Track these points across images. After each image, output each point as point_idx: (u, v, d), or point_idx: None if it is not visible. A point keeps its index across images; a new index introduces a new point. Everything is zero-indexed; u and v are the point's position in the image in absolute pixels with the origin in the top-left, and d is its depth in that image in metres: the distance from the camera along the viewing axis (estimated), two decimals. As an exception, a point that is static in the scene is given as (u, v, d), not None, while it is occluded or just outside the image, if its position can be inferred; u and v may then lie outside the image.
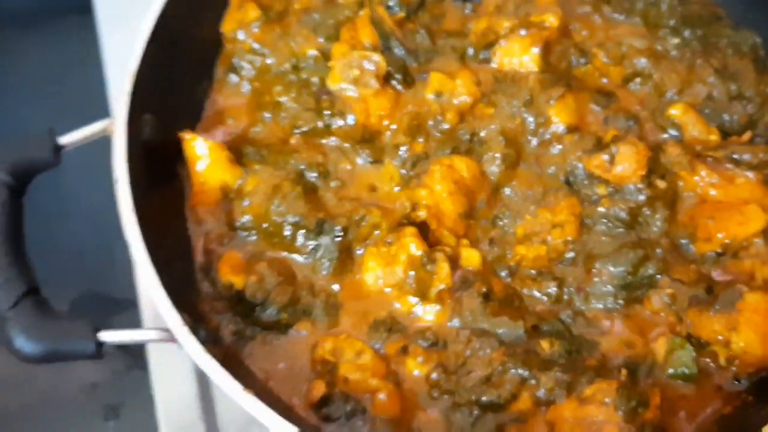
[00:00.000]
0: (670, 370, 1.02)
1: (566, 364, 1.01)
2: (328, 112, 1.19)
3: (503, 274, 1.10)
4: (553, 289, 1.08)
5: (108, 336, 0.94)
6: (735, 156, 1.14)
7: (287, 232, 1.10)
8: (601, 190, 1.13)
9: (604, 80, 1.26)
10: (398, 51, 1.24)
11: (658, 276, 1.08)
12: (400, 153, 1.17)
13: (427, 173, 1.13)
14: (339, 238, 1.09)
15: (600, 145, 1.15)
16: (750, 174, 1.13)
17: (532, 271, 1.10)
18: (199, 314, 1.05)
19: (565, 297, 1.09)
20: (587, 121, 1.20)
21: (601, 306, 1.08)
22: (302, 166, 1.15)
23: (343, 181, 1.16)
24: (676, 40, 1.28)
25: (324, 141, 1.19)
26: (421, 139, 1.18)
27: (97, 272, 1.41)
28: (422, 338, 1.04)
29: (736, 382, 1.02)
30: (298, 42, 1.24)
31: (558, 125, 1.17)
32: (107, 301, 1.41)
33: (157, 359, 1.22)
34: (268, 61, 1.25)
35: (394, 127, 1.19)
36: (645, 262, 1.08)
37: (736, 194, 1.12)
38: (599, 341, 1.06)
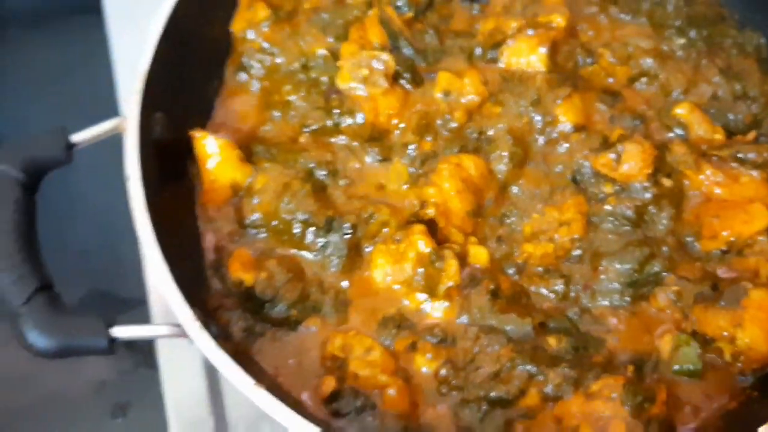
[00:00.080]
0: (676, 367, 1.03)
1: (573, 361, 1.02)
2: (338, 111, 1.19)
3: (511, 271, 1.11)
4: (560, 287, 1.09)
5: (120, 332, 0.95)
6: (740, 155, 1.15)
7: (296, 230, 1.11)
8: (608, 188, 1.14)
9: (611, 80, 1.26)
10: (407, 51, 1.25)
11: (664, 273, 1.08)
12: (408, 151, 1.18)
13: (436, 171, 1.13)
14: (348, 236, 1.10)
15: (606, 144, 1.16)
16: (754, 173, 1.14)
17: (540, 269, 1.10)
18: (209, 310, 1.06)
19: (572, 294, 1.09)
20: (594, 120, 1.21)
21: (607, 303, 1.08)
22: (311, 165, 1.16)
23: (352, 180, 1.17)
24: (681, 41, 1.29)
25: (333, 139, 1.20)
26: (429, 138, 1.19)
27: (105, 271, 1.41)
28: (431, 335, 1.05)
29: (741, 378, 1.03)
30: (307, 41, 1.25)
31: (565, 124, 1.18)
32: (115, 299, 1.41)
33: (167, 356, 1.22)
34: (278, 60, 1.25)
35: (402, 125, 1.20)
36: (651, 259, 1.09)
37: (740, 193, 1.13)
38: (606, 338, 1.06)
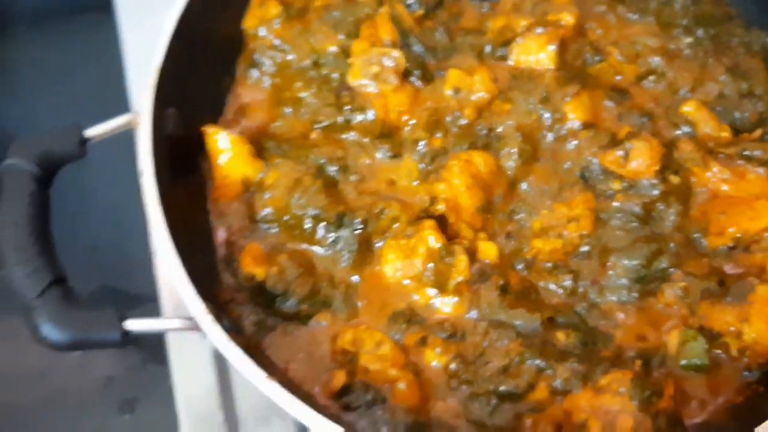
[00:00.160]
0: (683, 362, 1.03)
1: (582, 355, 1.02)
2: (348, 108, 1.20)
3: (520, 267, 1.11)
4: (568, 282, 1.10)
5: (133, 325, 0.95)
6: (746, 152, 1.16)
7: (308, 225, 1.12)
8: (616, 185, 1.14)
9: (619, 78, 1.27)
10: (417, 48, 1.25)
11: (672, 269, 1.08)
12: (418, 148, 1.18)
13: (446, 168, 1.14)
14: (359, 231, 1.11)
15: (614, 141, 1.16)
16: (761, 170, 1.14)
17: (548, 265, 1.11)
18: (221, 304, 1.06)
19: (581, 290, 1.10)
20: (602, 117, 1.21)
21: (615, 299, 1.09)
22: (322, 161, 1.16)
23: (363, 175, 1.17)
24: (688, 39, 1.30)
25: (344, 136, 1.20)
26: (439, 135, 1.19)
27: (115, 266, 1.42)
28: (441, 330, 1.06)
29: (748, 373, 1.03)
30: (318, 39, 1.25)
31: (573, 121, 1.19)
32: (125, 294, 1.42)
33: (177, 350, 1.23)
34: (289, 57, 1.26)
35: (413, 122, 1.21)
36: (658, 255, 1.09)
37: (747, 190, 1.14)
38: (614, 333, 1.07)
